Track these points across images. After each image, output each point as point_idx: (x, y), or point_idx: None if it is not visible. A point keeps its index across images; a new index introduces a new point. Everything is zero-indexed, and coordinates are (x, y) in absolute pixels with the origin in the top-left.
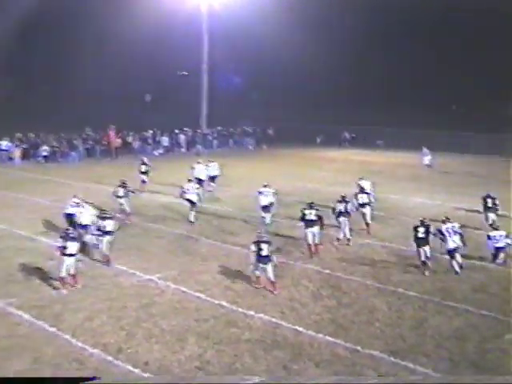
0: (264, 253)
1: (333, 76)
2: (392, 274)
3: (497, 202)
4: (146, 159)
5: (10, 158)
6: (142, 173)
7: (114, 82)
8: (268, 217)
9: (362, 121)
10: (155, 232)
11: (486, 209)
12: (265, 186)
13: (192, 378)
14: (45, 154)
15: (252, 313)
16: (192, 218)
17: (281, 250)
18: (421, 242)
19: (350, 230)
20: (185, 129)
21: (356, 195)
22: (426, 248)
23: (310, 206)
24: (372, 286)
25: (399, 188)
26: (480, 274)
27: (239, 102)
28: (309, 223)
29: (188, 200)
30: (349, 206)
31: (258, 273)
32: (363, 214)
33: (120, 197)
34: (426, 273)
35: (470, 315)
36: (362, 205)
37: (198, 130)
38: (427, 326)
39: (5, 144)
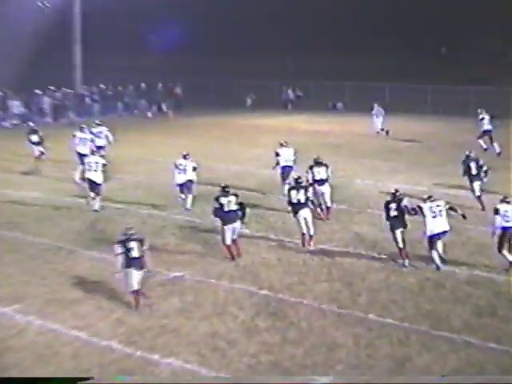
0: (134, 254)
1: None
2: (359, 294)
3: (482, 164)
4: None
5: None
6: (35, 143)
7: None
8: (189, 199)
9: (311, 73)
10: (7, 243)
11: (471, 177)
12: (184, 158)
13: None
14: None
15: (156, 357)
16: (97, 207)
17: (194, 262)
18: (395, 223)
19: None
20: (50, 88)
21: (311, 168)
22: (402, 230)
23: (225, 191)
24: (330, 312)
25: (367, 169)
26: (484, 289)
27: (128, 44)
28: (228, 216)
29: (89, 180)
30: (309, 193)
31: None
32: (321, 195)
33: None
34: (406, 263)
35: (473, 350)
36: (320, 181)
37: (70, 90)
38: (411, 367)
39: None
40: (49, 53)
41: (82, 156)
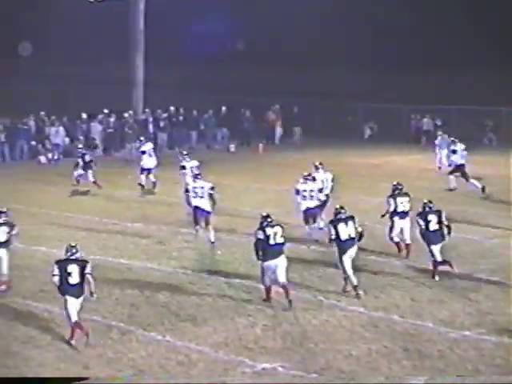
0: (73, 280)
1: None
2: None
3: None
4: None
5: None
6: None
7: None
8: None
9: (452, 94)
10: (38, 319)
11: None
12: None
13: None
14: None
15: None
16: (212, 238)
17: (290, 350)
18: (433, 238)
19: None
20: (105, 111)
21: (394, 197)
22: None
23: (268, 220)
24: None
25: None
26: None
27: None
28: (272, 250)
29: (196, 208)
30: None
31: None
32: (400, 230)
33: None
34: (437, 277)
35: None
36: (402, 214)
37: (127, 114)
38: None
39: None
40: (99, 66)
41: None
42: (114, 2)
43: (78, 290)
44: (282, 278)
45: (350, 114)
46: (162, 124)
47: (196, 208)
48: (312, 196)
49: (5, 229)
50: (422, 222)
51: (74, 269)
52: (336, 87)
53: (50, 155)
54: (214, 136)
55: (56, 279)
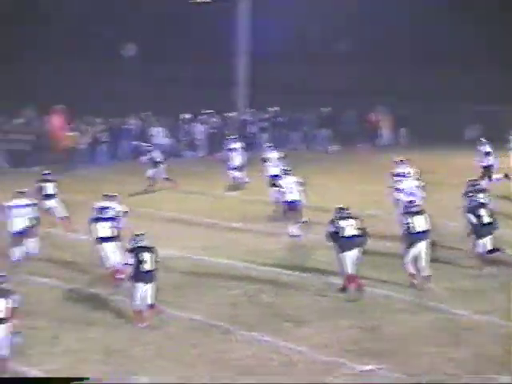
0: (147, 267)
1: None
2: None
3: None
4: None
5: None
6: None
7: None
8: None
9: None
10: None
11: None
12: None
13: None
14: None
15: None
16: (296, 231)
17: (391, 351)
18: (485, 231)
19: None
20: (205, 111)
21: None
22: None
23: (343, 213)
24: None
25: None
26: None
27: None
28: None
29: (288, 202)
30: None
31: None
32: None
33: None
34: (484, 270)
35: None
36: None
37: (231, 114)
38: None
39: None
40: (203, 66)
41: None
42: (218, 2)
43: (150, 277)
44: (350, 270)
45: (456, 115)
46: (263, 124)
47: (287, 202)
48: (412, 193)
49: (109, 224)
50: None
51: (147, 256)
52: (447, 87)
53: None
54: (315, 137)
55: (130, 267)
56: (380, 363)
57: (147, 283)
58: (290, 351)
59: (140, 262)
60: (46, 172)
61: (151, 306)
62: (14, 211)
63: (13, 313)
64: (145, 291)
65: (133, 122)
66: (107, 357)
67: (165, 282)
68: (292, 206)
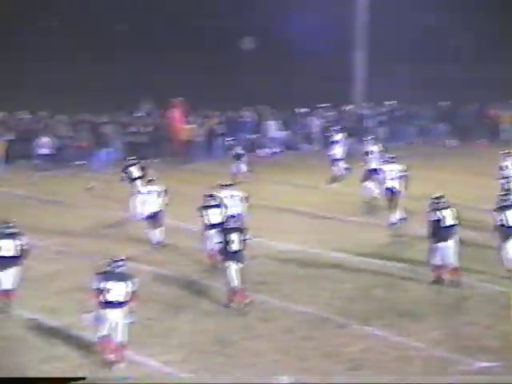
0: (234, 247)
1: None
2: None
3: None
4: None
5: None
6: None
7: None
8: None
9: None
10: (258, 309)
11: None
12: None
13: None
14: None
15: None
16: (396, 218)
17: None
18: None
19: None
20: (320, 105)
21: None
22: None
23: (439, 199)
24: None
25: None
26: None
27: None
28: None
29: (388, 189)
30: None
31: None
32: None
33: None
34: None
35: None
36: None
37: (348, 108)
38: None
39: None
40: (321, 59)
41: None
42: None
43: (239, 257)
44: (451, 260)
45: None
46: (380, 118)
47: (388, 189)
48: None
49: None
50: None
51: (234, 237)
52: None
53: (267, 149)
54: (431, 131)
55: (219, 246)
56: (499, 360)
57: (236, 263)
58: (406, 346)
59: (227, 242)
60: (131, 158)
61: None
62: (145, 197)
63: (131, 296)
64: (234, 271)
65: (248, 115)
66: (222, 348)
67: (281, 274)
68: (390, 194)
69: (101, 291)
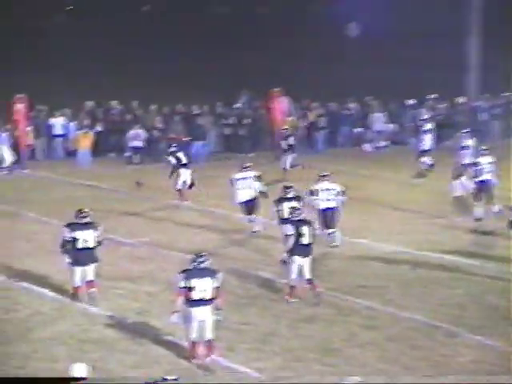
0: (305, 240)
1: None
2: None
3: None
4: None
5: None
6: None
7: None
8: None
9: None
10: (361, 315)
11: None
12: None
13: None
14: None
15: None
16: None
17: None
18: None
19: None
20: (431, 96)
21: None
22: None
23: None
24: None
25: None
26: None
27: None
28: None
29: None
30: None
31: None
32: None
33: None
34: None
35: None
36: None
37: (460, 100)
38: None
39: (60, 123)
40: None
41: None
42: None
43: (308, 250)
44: None
45: None
46: (496, 111)
47: (482, 182)
48: None
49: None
50: None
51: (305, 230)
52: None
53: (373, 143)
54: None
55: (291, 240)
56: None
57: (304, 257)
58: None
59: (299, 235)
60: (174, 145)
61: (309, 282)
62: (240, 183)
63: (217, 292)
64: (301, 265)
65: (352, 107)
66: (323, 356)
67: (385, 278)
68: (483, 186)
69: (186, 289)
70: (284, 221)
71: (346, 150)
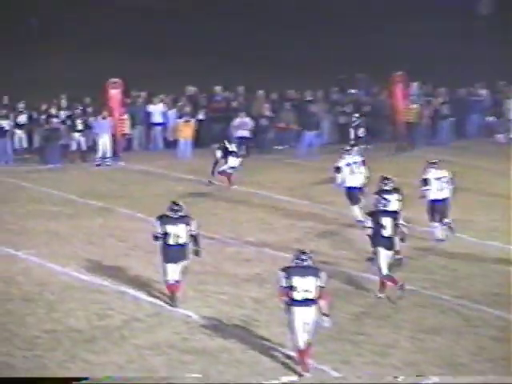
0: (386, 233)
1: None
2: None
3: None
4: None
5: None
6: None
7: None
8: None
9: None
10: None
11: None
12: None
13: None
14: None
15: None
16: None
17: None
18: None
19: None
20: None
21: None
22: None
23: None
24: None
25: None
26: None
27: None
28: None
29: None
30: None
31: None
32: None
33: None
34: None
35: None
36: None
37: None
38: None
39: (159, 110)
40: None
41: None
42: None
43: (390, 243)
44: None
45: None
46: None
47: None
48: None
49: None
50: None
51: (387, 221)
52: None
53: (507, 134)
54: None
55: (369, 231)
56: None
57: (387, 249)
58: None
59: (381, 226)
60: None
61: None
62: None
63: (321, 293)
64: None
65: (483, 93)
66: (448, 372)
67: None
68: None
69: (288, 289)
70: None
71: (475, 142)
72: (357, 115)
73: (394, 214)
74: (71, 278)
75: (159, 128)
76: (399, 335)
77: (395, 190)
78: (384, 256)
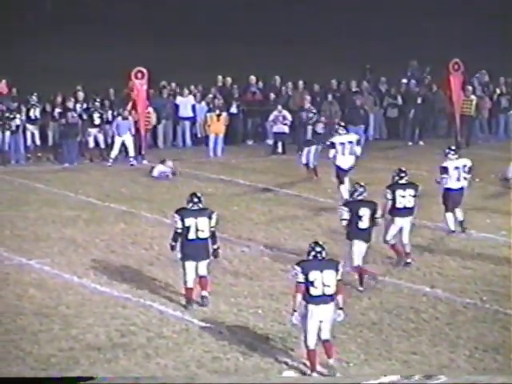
0: (363, 225)
1: None
2: None
3: None
4: None
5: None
6: None
7: None
8: None
9: None
10: None
11: None
12: None
13: None
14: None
15: None
16: None
17: None
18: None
19: None
20: None
21: None
22: None
23: None
24: None
25: None
26: None
27: None
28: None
29: None
30: None
31: None
32: None
33: None
34: None
35: None
36: None
37: None
38: None
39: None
40: None
41: None
42: None
43: (367, 235)
44: None
45: None
46: None
47: None
48: None
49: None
50: None
51: (365, 212)
52: None
53: None
54: None
55: (345, 223)
56: None
57: (364, 242)
58: None
59: (358, 217)
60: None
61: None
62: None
63: (339, 287)
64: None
65: None
66: None
67: None
68: None
69: (305, 284)
70: (396, 211)
71: None
72: (314, 111)
73: (372, 205)
74: (89, 290)
75: (188, 123)
76: (457, 354)
77: (411, 185)
78: (359, 249)
